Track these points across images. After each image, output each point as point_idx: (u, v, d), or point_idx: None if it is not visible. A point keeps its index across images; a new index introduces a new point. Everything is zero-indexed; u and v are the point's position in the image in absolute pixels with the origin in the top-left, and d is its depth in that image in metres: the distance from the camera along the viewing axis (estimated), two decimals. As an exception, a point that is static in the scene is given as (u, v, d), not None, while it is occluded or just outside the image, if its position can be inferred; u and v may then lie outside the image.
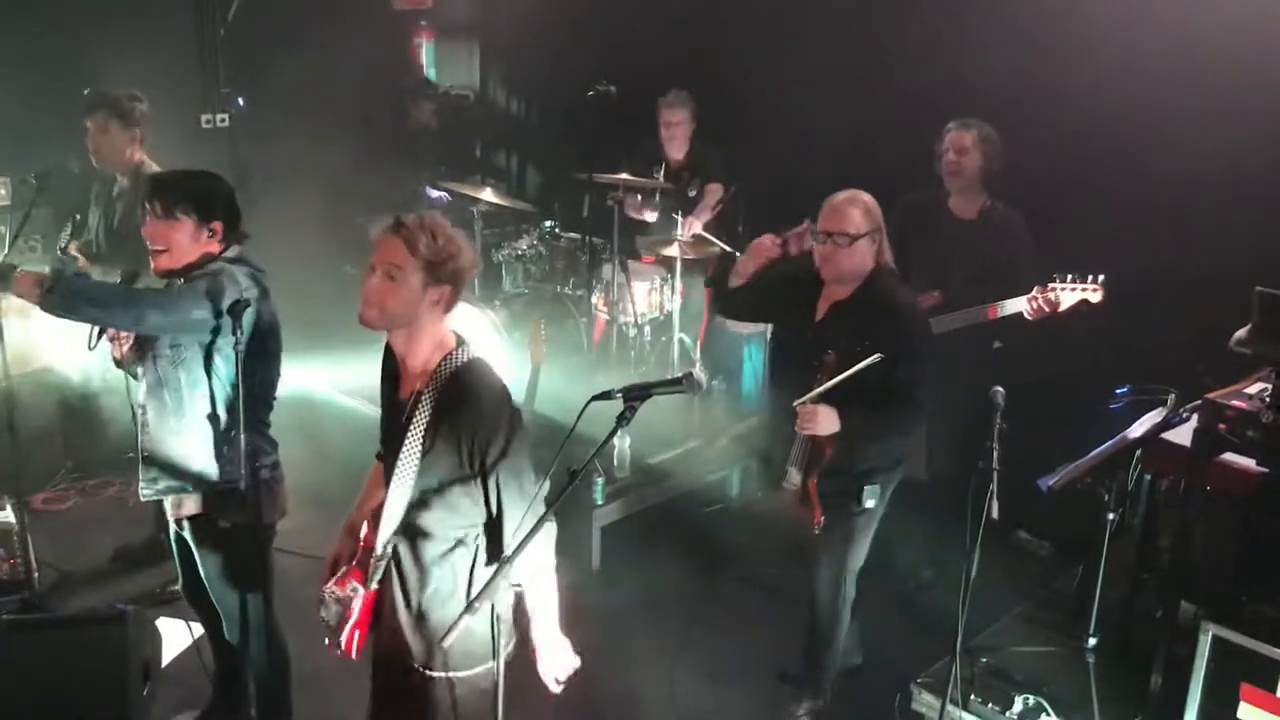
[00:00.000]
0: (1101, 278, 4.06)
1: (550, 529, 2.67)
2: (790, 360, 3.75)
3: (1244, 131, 4.24)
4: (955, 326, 4.45)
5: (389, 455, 2.75)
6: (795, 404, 3.48)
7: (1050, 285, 4.14)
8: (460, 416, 2.63)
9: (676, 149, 5.99)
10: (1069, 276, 4.09)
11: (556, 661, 2.79)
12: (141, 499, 3.47)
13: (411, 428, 2.66)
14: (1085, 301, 4.09)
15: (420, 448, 2.65)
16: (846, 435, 3.51)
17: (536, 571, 2.73)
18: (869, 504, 3.68)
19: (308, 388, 5.95)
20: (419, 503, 2.72)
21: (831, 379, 3.44)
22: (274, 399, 3.45)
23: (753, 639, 4.46)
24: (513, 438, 2.67)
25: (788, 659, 4.14)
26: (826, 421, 3.48)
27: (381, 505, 2.78)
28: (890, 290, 3.60)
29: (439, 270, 2.61)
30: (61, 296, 3.13)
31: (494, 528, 2.72)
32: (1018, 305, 4.24)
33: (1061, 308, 4.11)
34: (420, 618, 2.79)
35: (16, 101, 5.69)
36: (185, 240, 3.23)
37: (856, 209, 3.54)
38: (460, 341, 2.74)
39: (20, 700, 3.35)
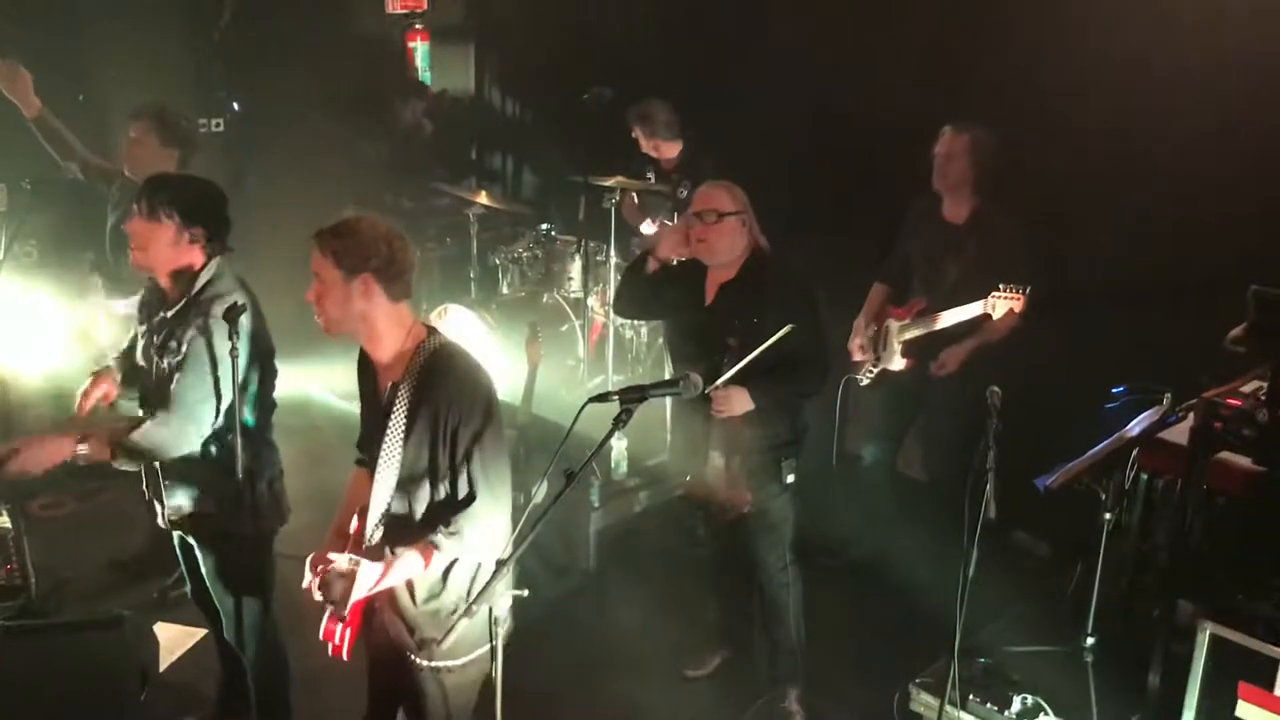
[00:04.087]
0: (1028, 289, 4.05)
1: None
2: (686, 347, 3.83)
3: (1242, 130, 4.24)
4: (916, 334, 4.45)
5: (373, 449, 2.81)
6: (708, 389, 3.52)
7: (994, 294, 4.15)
8: (437, 396, 2.72)
9: (664, 151, 5.97)
10: (1000, 286, 4.10)
11: (342, 562, 2.73)
12: (170, 527, 3.46)
13: (393, 416, 2.74)
14: (1011, 312, 4.08)
15: (402, 433, 2.74)
16: (760, 410, 3.62)
17: (460, 549, 2.74)
18: (789, 479, 3.77)
19: (304, 390, 5.95)
20: (404, 490, 2.79)
21: (735, 359, 3.52)
22: (273, 406, 3.47)
23: (749, 640, 4.45)
24: (488, 421, 2.74)
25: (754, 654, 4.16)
26: (740, 401, 3.59)
27: (368, 497, 2.83)
28: (770, 264, 3.75)
29: (349, 263, 2.72)
30: (130, 455, 3.17)
31: (460, 509, 2.74)
32: (957, 315, 4.25)
33: (995, 316, 4.12)
34: (411, 606, 2.84)
35: (12, 107, 5.68)
36: (165, 242, 3.21)
37: (723, 190, 3.70)
38: (431, 331, 2.84)
39: (17, 707, 3.34)
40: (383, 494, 2.79)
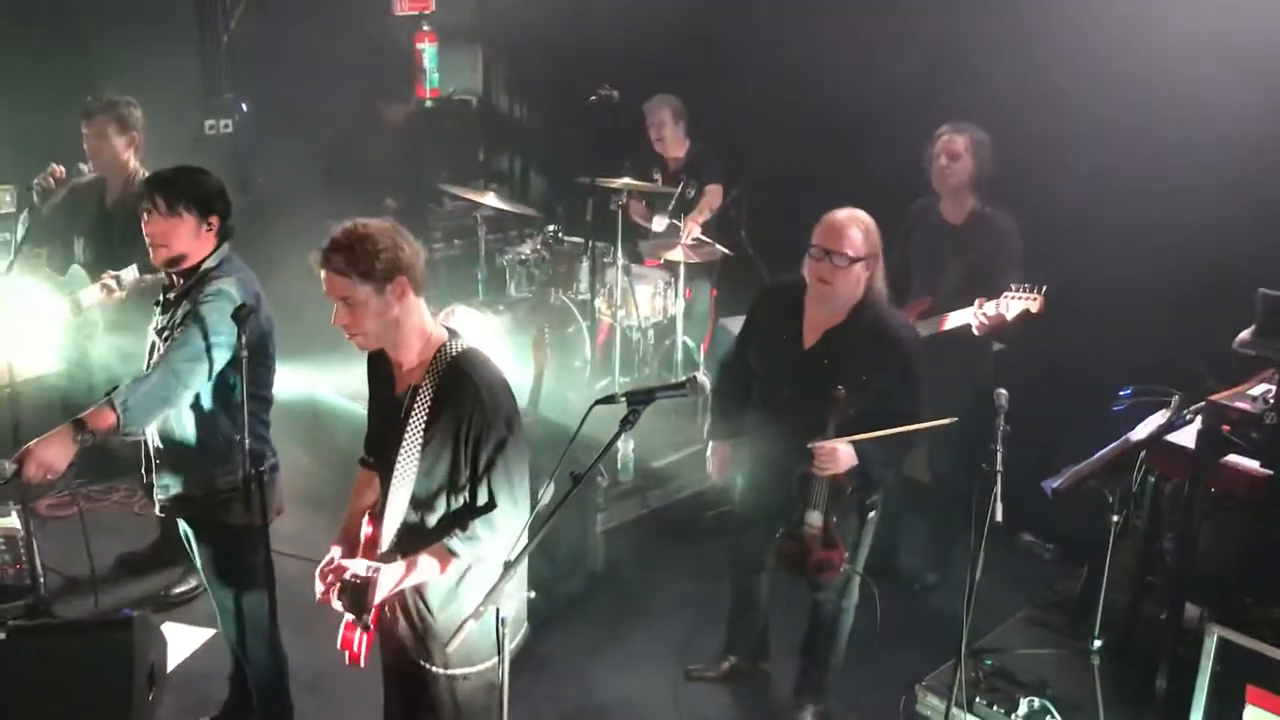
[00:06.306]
0: (1044, 288, 4.00)
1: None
2: (780, 390, 3.57)
3: (1247, 133, 4.23)
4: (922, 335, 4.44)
5: (387, 452, 2.76)
6: (812, 445, 3.41)
7: (989, 299, 4.10)
8: (459, 403, 2.66)
9: (671, 150, 5.98)
10: (1012, 286, 4.05)
11: (359, 568, 2.72)
12: (158, 511, 3.50)
13: (411, 420, 2.69)
14: (1027, 312, 4.02)
15: (421, 438, 2.69)
16: (863, 467, 3.46)
17: (471, 556, 2.71)
18: (871, 515, 3.68)
19: (309, 390, 5.95)
20: (421, 496, 2.74)
21: (841, 412, 3.39)
22: (271, 399, 3.49)
23: (753, 645, 4.45)
24: (510, 430, 2.69)
25: (789, 663, 4.13)
26: (847, 458, 3.43)
27: (381, 502, 2.81)
28: (886, 315, 3.53)
29: (379, 272, 2.63)
30: (135, 423, 3.18)
31: (477, 514, 2.71)
32: (964, 318, 4.22)
33: (1009, 317, 4.06)
34: (426, 613, 2.81)
35: (21, 109, 5.71)
36: (186, 236, 3.30)
37: (859, 230, 3.41)
38: (453, 334, 2.78)
39: (25, 706, 3.35)
40: (399, 498, 2.74)
